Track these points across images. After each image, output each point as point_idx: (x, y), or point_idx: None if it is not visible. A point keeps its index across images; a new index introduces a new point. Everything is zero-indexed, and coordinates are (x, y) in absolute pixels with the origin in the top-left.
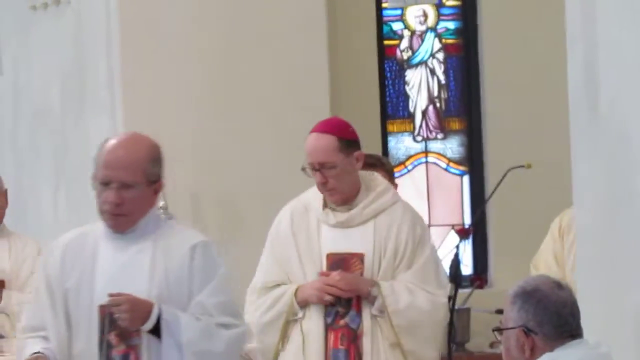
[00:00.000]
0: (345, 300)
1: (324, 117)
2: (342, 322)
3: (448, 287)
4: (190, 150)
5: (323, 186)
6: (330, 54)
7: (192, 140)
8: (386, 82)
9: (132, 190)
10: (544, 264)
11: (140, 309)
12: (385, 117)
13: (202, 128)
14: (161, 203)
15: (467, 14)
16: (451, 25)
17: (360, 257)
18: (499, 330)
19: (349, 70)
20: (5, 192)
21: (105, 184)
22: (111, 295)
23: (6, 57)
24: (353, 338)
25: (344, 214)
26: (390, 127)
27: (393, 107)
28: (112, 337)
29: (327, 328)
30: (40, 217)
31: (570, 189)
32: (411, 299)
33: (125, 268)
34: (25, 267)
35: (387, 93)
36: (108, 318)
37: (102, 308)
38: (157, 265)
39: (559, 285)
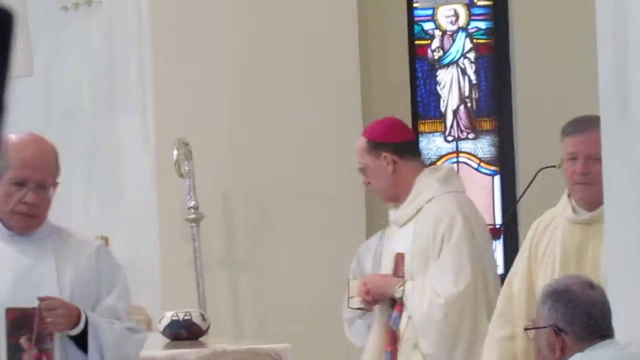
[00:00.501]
0: (391, 301)
1: (355, 118)
2: (389, 323)
3: (463, 285)
4: (221, 150)
5: (367, 186)
6: (361, 54)
7: (222, 139)
8: (417, 82)
9: (45, 191)
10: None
11: (71, 313)
12: (416, 117)
13: (233, 127)
14: (192, 202)
15: (499, 13)
16: (482, 25)
17: (402, 257)
18: (530, 329)
19: (380, 70)
20: None
21: (20, 184)
22: (42, 299)
23: (38, 57)
24: (394, 340)
25: (394, 214)
26: (421, 127)
27: (424, 107)
28: (23, 341)
29: (385, 329)
30: (71, 217)
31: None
32: (418, 299)
33: (30, 271)
34: None
35: (418, 93)
36: (20, 321)
37: (10, 311)
38: (64, 268)
39: (590, 285)
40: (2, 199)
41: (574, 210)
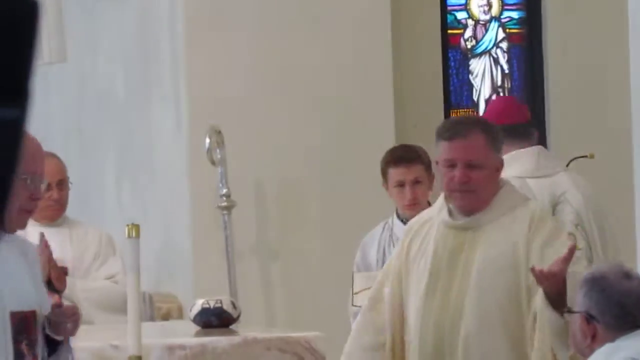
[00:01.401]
0: None
1: (387, 107)
2: None
3: None
4: (253, 137)
5: None
6: (394, 43)
7: (255, 127)
8: (450, 72)
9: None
10: None
11: None
12: (448, 106)
13: (266, 115)
14: (224, 190)
15: (531, 3)
16: (515, 14)
17: None
18: (568, 312)
19: (412, 60)
20: (62, 185)
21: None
22: (59, 305)
23: (71, 45)
24: None
25: None
26: (453, 116)
27: (456, 96)
28: (23, 347)
29: None
30: (103, 203)
31: (633, 178)
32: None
33: (15, 272)
34: (87, 255)
35: (451, 82)
36: (21, 325)
37: (15, 315)
38: (32, 270)
39: (627, 275)
40: (26, 194)
41: (450, 214)
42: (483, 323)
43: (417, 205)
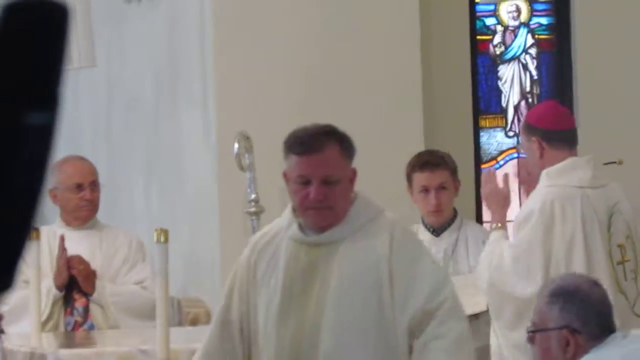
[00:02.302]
0: None
1: (416, 112)
2: None
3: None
4: (281, 144)
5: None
6: (423, 49)
7: (283, 132)
8: (479, 77)
9: None
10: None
11: None
12: (477, 112)
13: (294, 121)
14: (252, 196)
15: (560, 9)
16: (544, 20)
17: None
18: (537, 331)
19: (441, 65)
20: (94, 186)
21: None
22: None
23: (100, 50)
24: None
25: None
26: (482, 122)
27: (485, 102)
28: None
29: None
30: (132, 209)
31: None
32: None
33: None
34: (117, 259)
35: (480, 88)
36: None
37: None
38: None
39: (596, 283)
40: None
41: (301, 229)
42: (342, 341)
43: (441, 211)
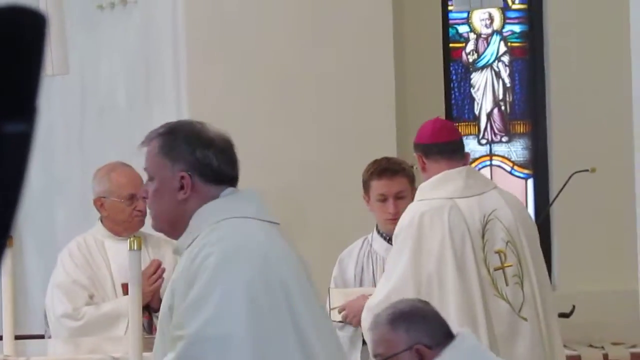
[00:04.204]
0: None
1: (389, 119)
2: None
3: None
4: (256, 149)
5: None
6: (396, 57)
7: (256, 138)
8: (452, 85)
9: None
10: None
11: None
12: (450, 119)
13: (267, 126)
14: None
15: (533, 17)
16: (517, 28)
17: None
18: (389, 358)
19: (414, 73)
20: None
21: None
22: None
23: (73, 56)
24: None
25: None
26: None
27: (458, 109)
28: None
29: None
30: None
31: (634, 193)
32: None
33: None
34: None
35: (453, 96)
36: None
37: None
38: None
39: (420, 300)
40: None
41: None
42: None
43: (398, 220)
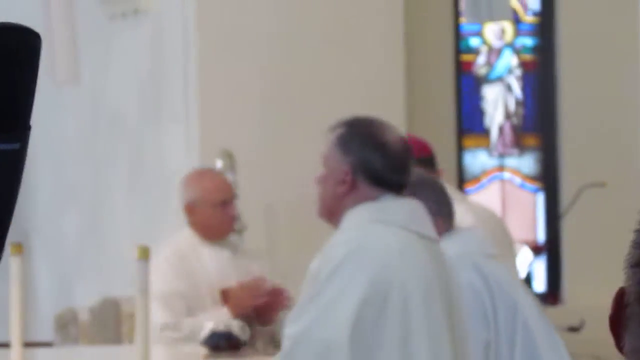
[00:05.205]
0: None
1: (399, 132)
2: None
3: None
4: (265, 161)
5: None
6: (406, 69)
7: (267, 150)
8: (462, 98)
9: None
10: None
11: None
12: (461, 132)
13: (278, 138)
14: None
15: (545, 31)
16: (529, 41)
17: None
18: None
19: (425, 85)
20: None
21: None
22: None
23: (84, 66)
24: None
25: None
26: (466, 143)
27: (469, 122)
28: None
29: None
30: (114, 225)
31: None
32: None
33: None
34: (253, 272)
35: (464, 108)
36: None
37: None
38: None
39: (429, 176)
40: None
41: None
42: None
43: None
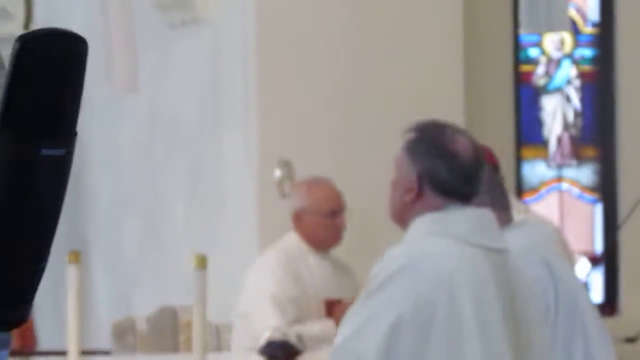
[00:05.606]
0: None
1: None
2: None
3: None
4: (324, 170)
5: None
6: (465, 79)
7: (325, 160)
8: (521, 108)
9: None
10: None
11: None
12: (519, 142)
13: (337, 148)
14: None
15: (604, 41)
16: (588, 52)
17: None
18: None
19: (484, 95)
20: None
21: None
22: None
23: (143, 74)
24: None
25: None
26: (524, 153)
27: (528, 132)
28: None
29: None
30: (173, 233)
31: None
32: None
33: None
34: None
35: (522, 119)
36: None
37: None
38: None
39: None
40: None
41: None
42: None
43: None
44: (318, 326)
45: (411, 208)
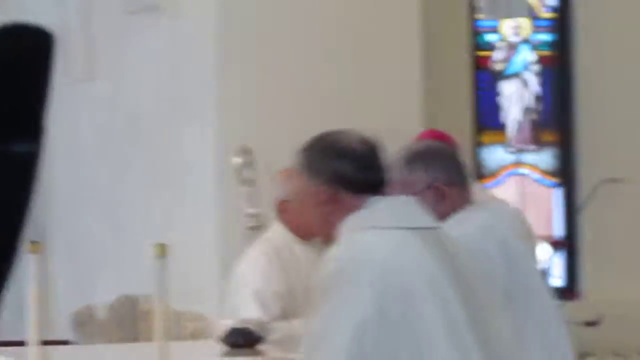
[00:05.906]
0: None
1: (417, 128)
2: None
3: None
4: (284, 159)
5: None
6: (423, 65)
7: (287, 148)
8: (479, 93)
9: None
10: None
11: None
12: (478, 128)
13: (297, 135)
14: (253, 210)
15: (563, 26)
16: (546, 37)
17: None
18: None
19: (442, 81)
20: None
21: None
22: None
23: (102, 63)
24: None
25: None
26: (483, 138)
27: (486, 118)
28: None
29: None
30: (133, 222)
31: None
32: None
33: None
34: None
35: (480, 104)
36: None
37: None
38: None
39: (436, 141)
40: None
41: None
42: None
43: None
44: (301, 323)
45: (333, 217)
